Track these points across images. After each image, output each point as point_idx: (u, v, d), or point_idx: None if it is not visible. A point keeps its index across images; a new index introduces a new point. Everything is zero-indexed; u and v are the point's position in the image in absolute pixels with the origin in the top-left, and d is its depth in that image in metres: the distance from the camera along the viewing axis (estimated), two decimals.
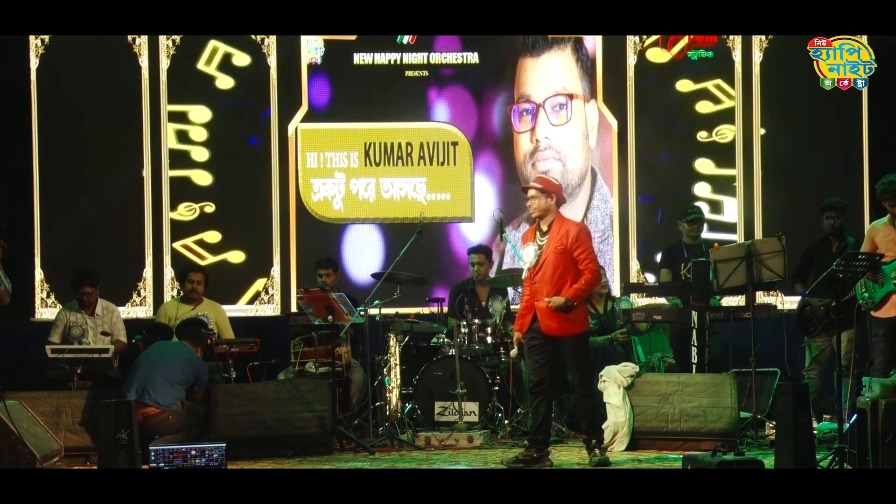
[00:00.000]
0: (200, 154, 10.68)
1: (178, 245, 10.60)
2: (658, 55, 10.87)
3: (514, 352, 8.39)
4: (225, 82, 10.67)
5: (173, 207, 10.60)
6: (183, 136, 10.66)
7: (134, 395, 8.15)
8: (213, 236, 10.65)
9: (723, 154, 10.87)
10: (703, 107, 10.87)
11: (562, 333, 7.76)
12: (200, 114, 10.67)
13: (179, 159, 10.64)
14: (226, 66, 10.67)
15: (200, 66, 10.64)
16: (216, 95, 10.66)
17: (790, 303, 9.92)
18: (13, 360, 9.14)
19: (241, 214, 10.73)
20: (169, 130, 10.59)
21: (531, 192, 7.89)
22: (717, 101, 10.87)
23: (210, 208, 10.64)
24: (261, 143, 10.68)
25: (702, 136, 10.86)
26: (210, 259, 10.55)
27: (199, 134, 10.68)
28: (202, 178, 10.67)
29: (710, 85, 10.86)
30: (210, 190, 10.67)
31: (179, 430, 8.36)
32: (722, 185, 10.87)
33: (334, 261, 10.13)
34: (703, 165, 10.89)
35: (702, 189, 10.88)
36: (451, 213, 10.85)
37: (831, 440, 7.78)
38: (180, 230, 10.62)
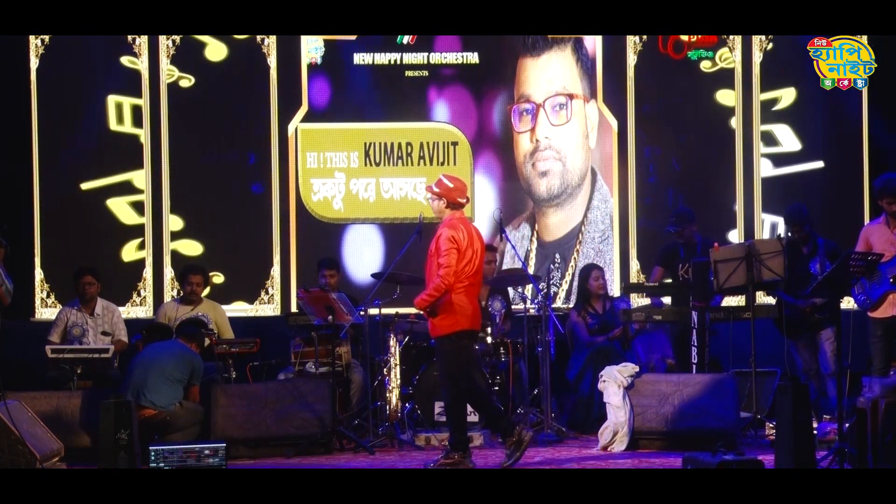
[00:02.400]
0: None
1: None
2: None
3: None
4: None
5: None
6: None
7: (130, 398, 8.13)
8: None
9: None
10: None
11: (431, 334, 7.88)
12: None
13: None
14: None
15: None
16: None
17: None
18: (13, 360, 9.14)
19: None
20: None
21: (427, 195, 7.99)
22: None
23: None
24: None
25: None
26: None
27: None
28: None
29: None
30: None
31: (179, 430, 8.36)
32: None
33: (337, 261, 10.14)
34: None
35: None
36: None
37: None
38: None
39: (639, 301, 10.15)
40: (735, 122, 10.84)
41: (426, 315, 7.84)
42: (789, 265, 8.66)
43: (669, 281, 9.66)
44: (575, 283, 10.65)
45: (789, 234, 9.02)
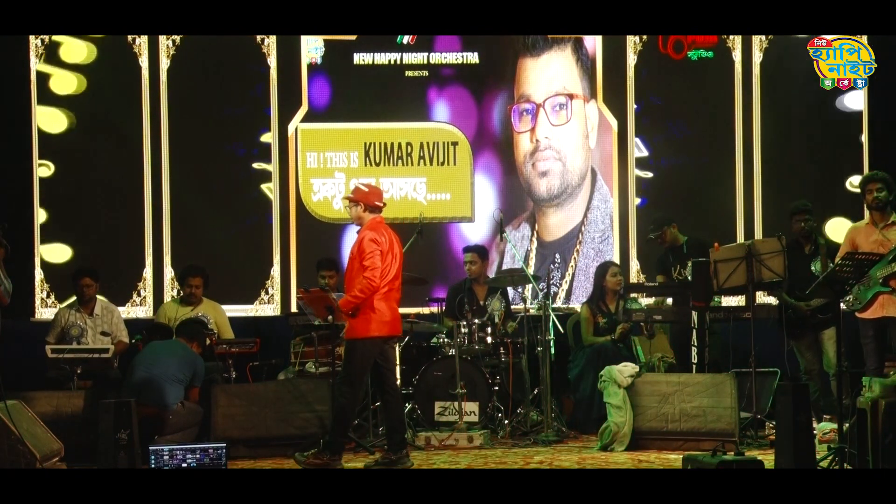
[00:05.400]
0: None
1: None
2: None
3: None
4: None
5: None
6: None
7: (131, 398, 8.12)
8: None
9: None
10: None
11: (345, 335, 7.94)
12: None
13: None
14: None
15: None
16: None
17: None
18: (13, 360, 9.13)
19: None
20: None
21: (345, 203, 8.06)
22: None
23: None
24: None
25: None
26: None
27: None
28: None
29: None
30: None
31: (179, 429, 8.36)
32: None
33: (335, 262, 10.14)
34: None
35: None
36: (451, 213, 10.85)
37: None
38: None
39: (642, 301, 10.15)
40: (736, 122, 10.86)
41: (349, 317, 7.86)
42: (791, 266, 8.67)
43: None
44: (575, 283, 10.66)
45: (802, 223, 9.01)
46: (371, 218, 7.90)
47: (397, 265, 7.89)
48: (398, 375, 9.35)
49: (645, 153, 10.92)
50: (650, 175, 10.92)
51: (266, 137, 10.71)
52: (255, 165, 10.70)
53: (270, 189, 10.69)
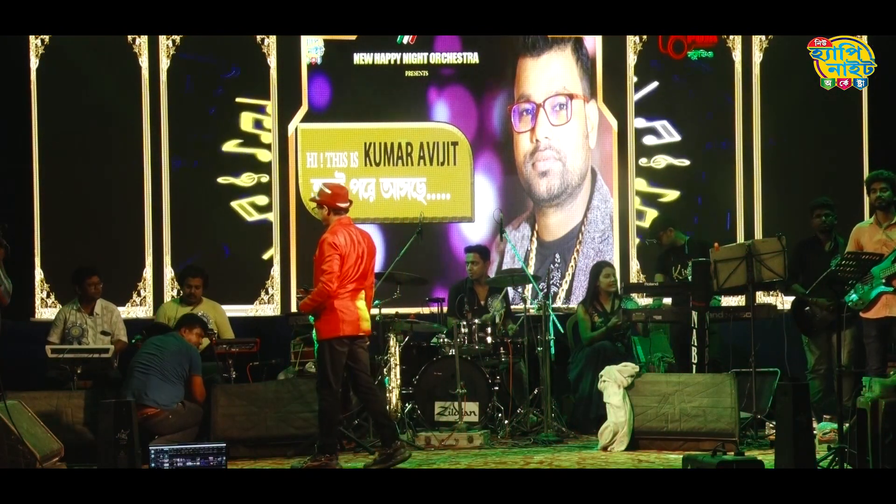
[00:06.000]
0: None
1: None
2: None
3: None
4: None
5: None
6: None
7: (131, 398, 8.13)
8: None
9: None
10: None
11: (316, 338, 7.95)
12: None
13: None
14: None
15: None
16: None
17: (790, 303, 9.92)
18: (13, 360, 9.13)
19: None
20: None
21: (311, 206, 7.96)
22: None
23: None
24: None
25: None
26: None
27: None
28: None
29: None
30: None
31: (179, 429, 8.36)
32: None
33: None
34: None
35: None
36: (451, 213, 10.85)
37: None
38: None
39: (641, 301, 10.15)
40: (736, 122, 10.86)
41: (312, 319, 7.91)
42: (809, 262, 8.68)
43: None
44: (575, 283, 10.65)
45: (823, 217, 9.01)
46: (337, 219, 7.87)
47: (365, 264, 7.86)
48: (398, 375, 9.38)
49: (677, 137, 10.89)
50: (686, 163, 10.89)
51: (266, 138, 10.71)
52: (220, 180, 10.67)
53: (242, 206, 10.68)
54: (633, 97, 10.85)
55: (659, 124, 10.88)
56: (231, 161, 10.70)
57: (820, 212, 9.06)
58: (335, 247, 7.72)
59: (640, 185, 10.86)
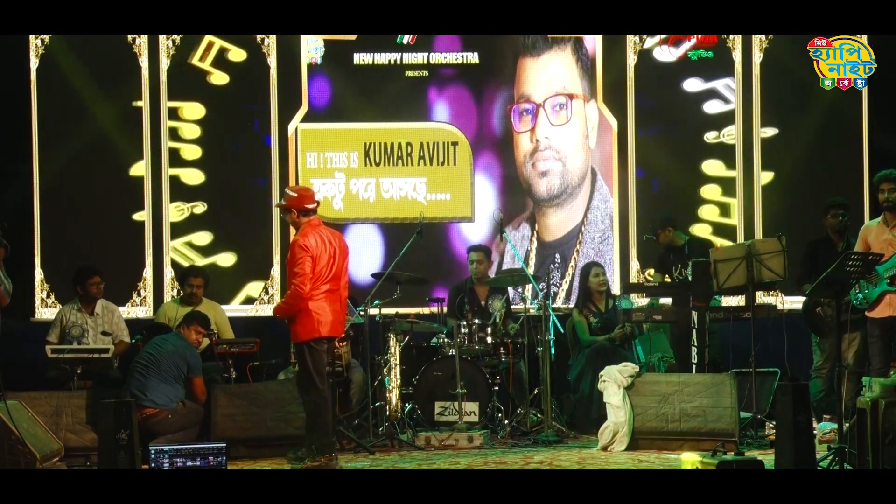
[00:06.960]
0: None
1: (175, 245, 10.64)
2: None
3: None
4: (219, 78, 10.71)
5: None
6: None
7: (131, 398, 8.12)
8: (204, 238, 10.69)
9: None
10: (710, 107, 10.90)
11: (292, 340, 7.96)
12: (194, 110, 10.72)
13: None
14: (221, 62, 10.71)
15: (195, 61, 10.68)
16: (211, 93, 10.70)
17: (790, 303, 9.93)
18: (13, 360, 9.13)
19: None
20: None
21: (281, 214, 8.08)
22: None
23: (201, 209, 10.67)
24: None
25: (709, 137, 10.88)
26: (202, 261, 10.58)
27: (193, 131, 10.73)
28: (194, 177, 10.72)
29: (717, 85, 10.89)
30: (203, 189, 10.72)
31: (179, 429, 8.36)
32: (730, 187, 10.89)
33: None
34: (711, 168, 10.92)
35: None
36: (451, 213, 10.85)
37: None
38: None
39: (639, 301, 10.15)
40: (737, 122, 10.86)
41: (287, 322, 7.89)
42: (822, 262, 8.67)
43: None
44: (575, 283, 10.65)
45: (839, 216, 9.00)
46: (306, 221, 7.86)
47: (337, 265, 7.84)
48: (398, 375, 9.38)
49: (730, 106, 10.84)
50: (772, 132, 10.85)
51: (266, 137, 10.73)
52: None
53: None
54: (633, 98, 10.86)
55: (721, 83, 10.86)
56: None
57: (836, 211, 9.05)
58: (306, 248, 7.70)
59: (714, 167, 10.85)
